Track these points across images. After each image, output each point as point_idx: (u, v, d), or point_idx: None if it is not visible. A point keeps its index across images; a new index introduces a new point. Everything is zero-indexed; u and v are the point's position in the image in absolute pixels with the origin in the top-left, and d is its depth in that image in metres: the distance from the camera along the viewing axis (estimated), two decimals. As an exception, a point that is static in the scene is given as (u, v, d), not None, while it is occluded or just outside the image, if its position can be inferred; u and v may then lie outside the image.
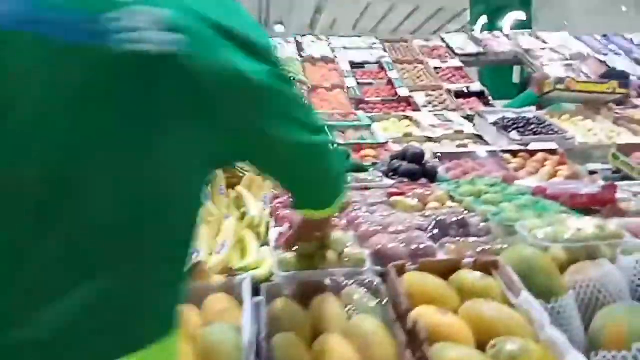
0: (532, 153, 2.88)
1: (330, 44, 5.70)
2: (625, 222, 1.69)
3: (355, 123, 3.87)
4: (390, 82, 5.03)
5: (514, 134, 3.07)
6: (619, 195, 2.20)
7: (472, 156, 2.80)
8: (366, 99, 4.71)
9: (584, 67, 5.46)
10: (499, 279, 1.31)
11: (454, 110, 4.36)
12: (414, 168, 2.46)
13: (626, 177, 2.96)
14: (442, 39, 6.08)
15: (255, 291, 1.32)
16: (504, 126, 3.24)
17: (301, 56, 5.38)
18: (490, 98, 4.86)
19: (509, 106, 4.35)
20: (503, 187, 2.12)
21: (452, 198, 2.06)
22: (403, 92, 4.80)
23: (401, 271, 1.35)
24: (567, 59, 5.58)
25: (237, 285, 1.34)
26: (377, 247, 1.48)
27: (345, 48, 5.60)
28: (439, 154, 2.77)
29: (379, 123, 3.98)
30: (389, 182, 2.31)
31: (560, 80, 4.03)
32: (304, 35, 5.89)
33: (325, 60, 5.35)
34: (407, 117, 4.08)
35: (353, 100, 4.64)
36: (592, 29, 6.46)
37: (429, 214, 1.83)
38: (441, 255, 1.47)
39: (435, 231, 1.68)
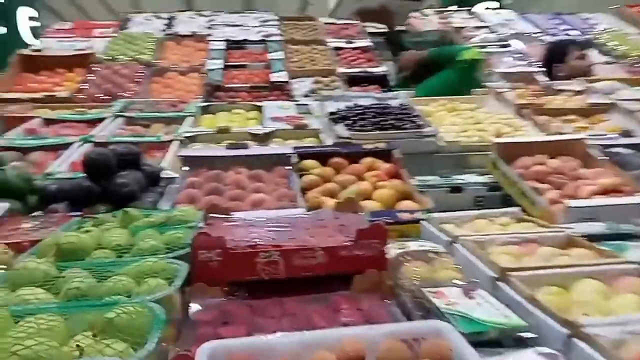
0: (356, 158, 1.78)
1: (211, 20, 4.59)
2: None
3: (169, 114, 2.76)
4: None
5: (340, 128, 1.96)
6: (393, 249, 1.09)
7: (249, 163, 1.70)
8: (226, 86, 3.61)
9: (525, 49, 4.35)
10: None
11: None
12: (82, 187, 1.36)
13: (508, 196, 1.87)
14: (359, 17, 4.99)
15: None
16: (341, 117, 2.14)
17: (167, 33, 4.29)
18: (392, 84, 3.76)
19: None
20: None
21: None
22: (278, 77, 3.70)
23: None
24: (503, 40, 4.48)
25: None
26: None
27: (227, 25, 4.50)
28: (184, 157, 1.66)
29: (214, 115, 2.89)
30: None
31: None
32: (184, 11, 4.80)
33: (195, 37, 4.24)
34: (256, 108, 2.98)
35: (208, 87, 3.54)
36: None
37: None
38: None
39: None
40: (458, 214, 1.33)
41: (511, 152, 1.90)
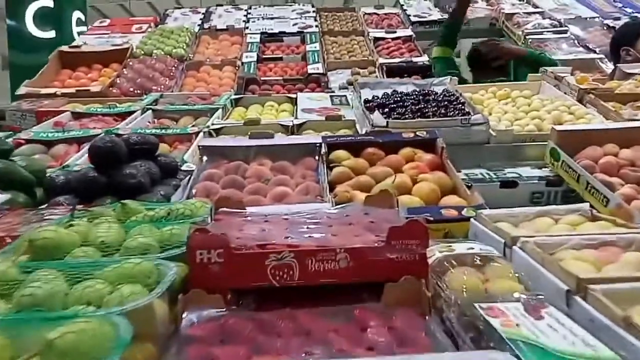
0: (393, 148, 1.58)
1: (248, 13, 4.49)
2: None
3: (199, 107, 2.65)
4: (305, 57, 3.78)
5: (376, 116, 1.77)
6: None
7: (273, 154, 1.54)
8: (261, 79, 3.48)
9: (584, 34, 3.99)
10: None
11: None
12: (88, 178, 1.25)
13: (571, 193, 1.61)
14: (401, 6, 4.76)
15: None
16: (378, 104, 1.95)
17: (203, 27, 4.22)
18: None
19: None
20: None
21: None
22: (314, 69, 3.54)
23: None
24: (560, 26, 4.13)
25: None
26: None
27: (264, 18, 4.38)
28: (203, 147, 1.53)
29: (245, 108, 2.76)
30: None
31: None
32: (221, 5, 4.72)
33: (230, 31, 4.14)
34: (290, 100, 2.84)
35: (241, 80, 3.43)
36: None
37: None
38: None
39: None
40: (515, 210, 1.11)
41: (574, 141, 1.65)
